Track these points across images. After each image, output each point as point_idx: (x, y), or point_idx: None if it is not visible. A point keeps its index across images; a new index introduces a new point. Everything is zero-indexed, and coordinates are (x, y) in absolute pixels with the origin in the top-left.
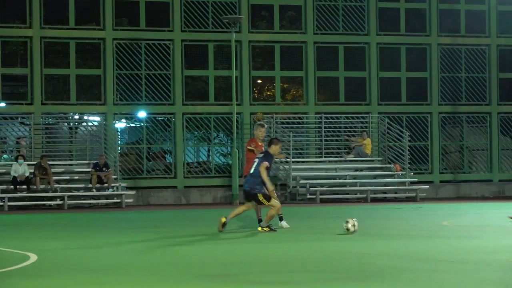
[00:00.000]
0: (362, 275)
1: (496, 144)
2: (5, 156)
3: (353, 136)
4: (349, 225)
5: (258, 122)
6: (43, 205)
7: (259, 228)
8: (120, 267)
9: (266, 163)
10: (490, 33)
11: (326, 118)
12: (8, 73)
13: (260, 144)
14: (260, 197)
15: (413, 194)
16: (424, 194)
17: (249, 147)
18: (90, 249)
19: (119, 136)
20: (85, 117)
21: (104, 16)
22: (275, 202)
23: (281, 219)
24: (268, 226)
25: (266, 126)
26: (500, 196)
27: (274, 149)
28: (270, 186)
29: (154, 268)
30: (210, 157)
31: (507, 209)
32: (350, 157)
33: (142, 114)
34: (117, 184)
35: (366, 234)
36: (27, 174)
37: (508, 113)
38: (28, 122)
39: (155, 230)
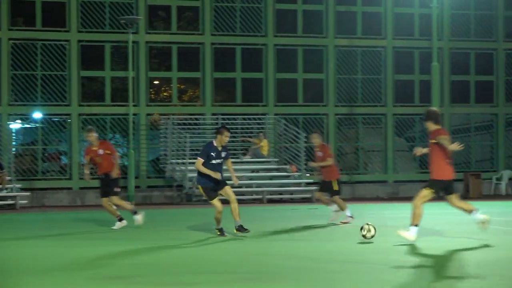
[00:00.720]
0: (264, 276)
1: (391, 145)
2: None
3: (250, 137)
4: (371, 232)
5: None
6: None
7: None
8: (14, 270)
9: (199, 159)
10: (386, 35)
11: (223, 119)
12: None
13: (94, 148)
14: (200, 190)
15: (309, 195)
16: None
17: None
18: None
19: (14, 137)
20: None
21: None
22: (215, 202)
23: (135, 213)
24: (220, 230)
25: (93, 128)
26: (394, 197)
27: (218, 139)
28: (212, 174)
29: (50, 271)
30: None
31: (402, 209)
32: (247, 158)
33: (37, 115)
34: (12, 186)
35: (262, 235)
36: None
37: (403, 114)
38: None
39: (49, 232)
